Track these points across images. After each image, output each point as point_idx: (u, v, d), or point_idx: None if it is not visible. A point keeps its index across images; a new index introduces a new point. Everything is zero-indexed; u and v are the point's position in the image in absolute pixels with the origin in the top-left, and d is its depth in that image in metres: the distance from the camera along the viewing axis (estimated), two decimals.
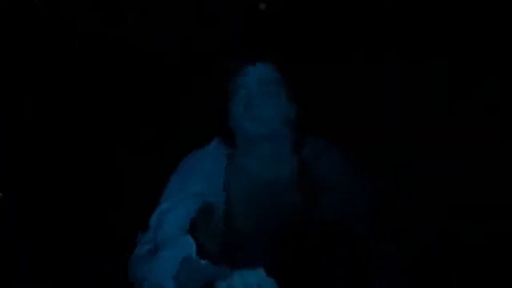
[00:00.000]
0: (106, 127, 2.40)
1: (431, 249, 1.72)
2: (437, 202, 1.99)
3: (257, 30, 2.32)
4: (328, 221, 1.70)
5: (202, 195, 1.76)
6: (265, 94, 1.74)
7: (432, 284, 1.68)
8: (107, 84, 2.42)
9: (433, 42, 2.19)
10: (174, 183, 1.80)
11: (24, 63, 2.38)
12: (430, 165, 2.07)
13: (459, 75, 2.16)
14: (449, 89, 2.17)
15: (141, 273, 1.62)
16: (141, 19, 2.42)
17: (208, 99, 1.89)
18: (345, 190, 1.74)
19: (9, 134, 2.35)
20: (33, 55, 2.39)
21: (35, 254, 2.24)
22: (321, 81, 2.19)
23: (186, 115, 2.34)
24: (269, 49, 1.91)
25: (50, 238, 2.28)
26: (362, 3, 2.28)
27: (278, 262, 1.55)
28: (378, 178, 1.81)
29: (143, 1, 2.41)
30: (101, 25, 2.40)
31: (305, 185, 1.75)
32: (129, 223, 1.88)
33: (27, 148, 2.36)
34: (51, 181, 2.34)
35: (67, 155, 2.38)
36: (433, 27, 2.20)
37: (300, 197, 1.74)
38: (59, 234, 2.29)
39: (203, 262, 1.55)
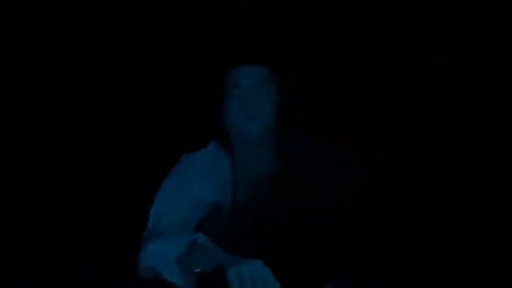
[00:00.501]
0: (106, 127, 2.40)
1: (431, 249, 1.72)
2: (437, 202, 1.99)
3: (256, 30, 2.31)
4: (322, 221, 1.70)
5: (210, 198, 1.78)
6: (259, 95, 1.78)
7: (432, 284, 1.68)
8: (107, 84, 2.42)
9: (433, 42, 2.19)
10: (174, 184, 1.81)
11: (24, 63, 2.38)
12: (430, 165, 2.07)
13: (459, 75, 2.16)
14: (449, 89, 2.17)
15: (149, 262, 1.62)
16: (141, 19, 2.42)
17: (208, 99, 1.90)
18: (329, 190, 1.75)
19: (9, 134, 2.35)
20: (33, 55, 2.39)
21: (35, 254, 2.24)
22: (321, 81, 2.19)
23: (186, 115, 2.34)
24: (269, 49, 1.91)
25: (50, 238, 2.28)
26: (362, 3, 2.28)
27: (275, 261, 1.56)
28: (378, 178, 1.81)
29: (143, 1, 2.41)
30: (101, 25, 2.40)
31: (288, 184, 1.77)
32: (129, 223, 1.88)
33: (27, 148, 2.36)
34: (51, 181, 2.34)
35: (67, 155, 2.38)
36: (433, 27, 2.20)
37: (284, 195, 1.76)
38: (59, 234, 2.29)
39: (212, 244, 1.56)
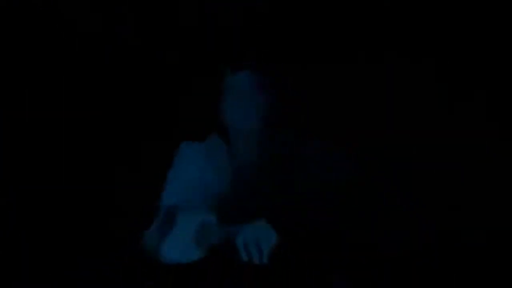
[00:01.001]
0: (106, 127, 2.40)
1: (431, 249, 1.72)
2: (437, 202, 1.99)
3: (256, 30, 2.31)
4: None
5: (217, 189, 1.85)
6: (254, 95, 1.84)
7: (432, 284, 1.68)
8: (107, 84, 2.42)
9: (433, 42, 2.19)
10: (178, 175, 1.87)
11: (24, 63, 2.38)
12: (430, 165, 2.07)
13: (459, 75, 2.16)
14: (449, 89, 2.17)
15: (157, 241, 1.69)
16: (141, 19, 2.42)
17: (208, 99, 1.91)
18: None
19: (9, 134, 2.35)
20: (33, 55, 2.39)
21: (35, 254, 2.24)
22: (321, 81, 2.19)
23: (186, 115, 2.34)
24: (269, 49, 1.92)
25: (50, 238, 2.28)
26: (362, 3, 2.28)
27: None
28: (378, 178, 1.81)
29: (143, 1, 2.41)
30: (101, 25, 2.40)
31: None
32: (129, 223, 1.88)
33: (27, 148, 2.36)
34: (51, 181, 2.34)
35: (67, 155, 2.38)
36: (433, 27, 2.20)
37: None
38: (59, 234, 2.29)
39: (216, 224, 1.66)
